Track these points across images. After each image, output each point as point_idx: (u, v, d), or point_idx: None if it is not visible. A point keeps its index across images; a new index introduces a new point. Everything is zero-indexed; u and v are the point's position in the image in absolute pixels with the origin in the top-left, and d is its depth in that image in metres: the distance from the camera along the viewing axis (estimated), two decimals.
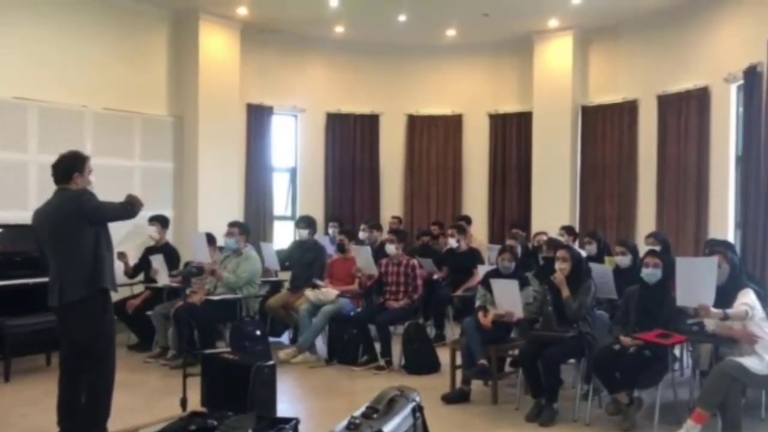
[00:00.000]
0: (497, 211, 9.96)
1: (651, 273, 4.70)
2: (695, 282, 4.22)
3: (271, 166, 9.57)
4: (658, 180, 8.33)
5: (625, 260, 5.73)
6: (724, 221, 7.37)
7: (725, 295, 4.30)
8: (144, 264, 6.97)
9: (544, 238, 6.94)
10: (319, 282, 6.80)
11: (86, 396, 3.98)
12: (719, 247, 5.03)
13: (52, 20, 7.38)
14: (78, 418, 3.97)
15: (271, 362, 4.65)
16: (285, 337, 7.39)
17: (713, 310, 4.15)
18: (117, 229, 4.34)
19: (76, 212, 3.91)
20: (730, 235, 7.23)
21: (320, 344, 6.77)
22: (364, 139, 10.16)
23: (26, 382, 5.64)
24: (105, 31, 7.85)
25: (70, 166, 4.02)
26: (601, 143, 9.11)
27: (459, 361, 5.34)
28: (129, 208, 4.08)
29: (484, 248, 7.98)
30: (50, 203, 4.04)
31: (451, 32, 9.38)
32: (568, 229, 7.42)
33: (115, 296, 4.26)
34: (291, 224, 9.41)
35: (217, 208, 8.35)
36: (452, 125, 10.20)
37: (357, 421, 3.24)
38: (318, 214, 9.32)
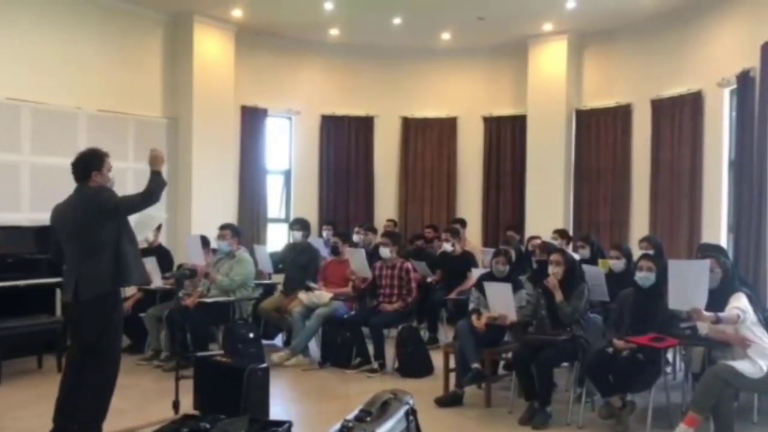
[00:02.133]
0: (491, 215, 9.97)
1: (645, 277, 4.71)
2: (687, 285, 4.23)
3: (266, 168, 9.55)
4: (652, 184, 8.35)
5: (619, 264, 5.74)
6: (717, 225, 7.39)
7: (718, 300, 4.31)
8: None
9: (538, 242, 6.94)
10: (312, 285, 6.79)
11: (87, 393, 3.99)
12: (711, 251, 5.05)
13: (47, 22, 7.35)
14: (76, 414, 3.97)
15: (264, 365, 4.63)
16: (278, 340, 7.38)
17: (705, 313, 4.16)
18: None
19: (95, 209, 3.96)
20: (723, 239, 7.25)
21: (314, 347, 6.76)
22: (359, 142, 10.16)
23: (18, 385, 5.61)
24: (99, 33, 7.82)
25: (88, 164, 4.07)
26: (595, 147, 9.13)
27: (452, 364, 5.34)
28: (148, 196, 4.09)
29: (478, 251, 7.98)
30: (70, 200, 4.09)
31: (446, 36, 9.40)
32: (561, 233, 7.43)
33: None
34: (285, 227, 9.40)
35: (211, 210, 8.34)
36: (447, 128, 10.20)
37: (350, 425, 3.24)
38: (312, 216, 9.31)
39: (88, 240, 3.95)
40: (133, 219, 4.26)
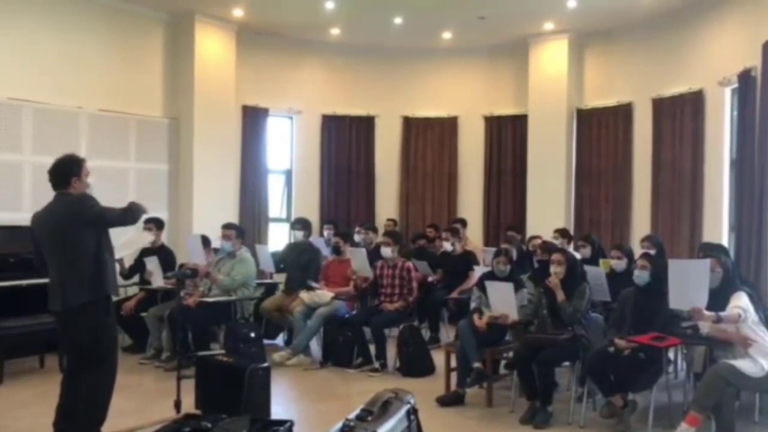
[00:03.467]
0: (492, 214, 9.96)
1: (638, 275, 4.74)
2: (688, 284, 4.23)
3: (267, 168, 9.55)
4: (653, 183, 8.34)
5: (620, 264, 5.73)
6: (719, 224, 7.39)
7: (719, 299, 4.31)
8: (139, 266, 6.96)
9: (539, 241, 6.94)
10: (314, 284, 6.79)
11: (86, 398, 3.97)
12: (713, 251, 5.04)
13: (48, 21, 7.35)
14: (76, 420, 3.97)
15: (265, 365, 4.65)
16: (280, 340, 7.38)
17: (706, 312, 4.16)
18: (117, 236, 4.33)
19: (77, 217, 3.90)
20: (725, 238, 7.25)
21: (315, 347, 6.77)
22: (360, 141, 10.16)
23: (19, 384, 5.62)
24: (101, 33, 7.83)
25: (67, 171, 3.99)
26: (596, 146, 9.12)
27: (454, 363, 5.34)
28: (130, 214, 4.04)
29: (479, 251, 7.98)
30: (50, 208, 4.01)
31: (446, 35, 9.39)
32: (562, 232, 7.43)
33: None
34: (286, 226, 9.41)
35: (213, 210, 8.34)
36: (448, 128, 10.20)
37: (351, 424, 3.25)
38: (313, 216, 9.31)
39: (70, 247, 3.90)
40: (122, 234, 4.19)
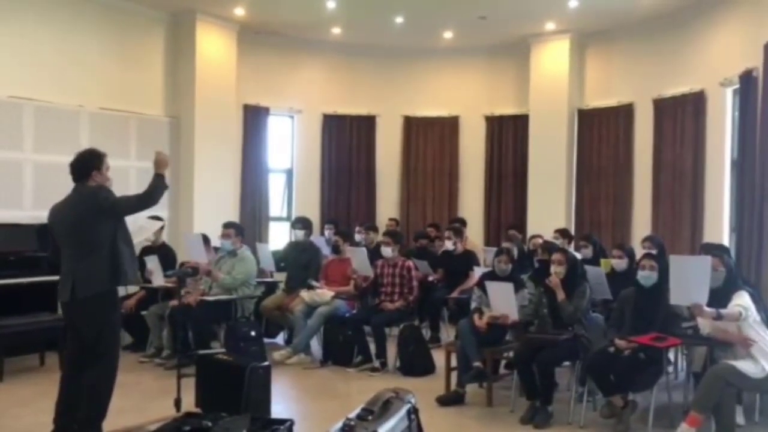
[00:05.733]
0: (493, 214, 9.97)
1: (647, 276, 4.71)
2: (689, 281, 4.22)
3: (267, 167, 9.55)
4: (654, 183, 8.34)
5: (621, 264, 5.74)
6: (720, 225, 7.39)
7: (721, 299, 4.31)
8: (139, 264, 6.95)
9: (540, 241, 6.94)
10: (314, 283, 6.79)
11: (87, 392, 3.99)
12: (715, 251, 5.04)
13: (49, 20, 7.35)
14: (76, 415, 3.97)
15: (265, 363, 4.65)
16: (280, 338, 7.39)
17: (706, 309, 4.16)
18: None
19: (93, 208, 3.95)
20: (725, 238, 7.24)
21: (315, 345, 6.76)
22: (361, 141, 10.16)
23: (19, 383, 5.62)
24: (102, 32, 7.83)
25: (88, 164, 4.07)
26: (597, 146, 9.12)
27: (454, 363, 5.35)
28: (146, 197, 4.08)
29: (479, 250, 7.98)
30: (68, 199, 4.08)
31: (447, 34, 9.39)
32: (562, 232, 7.42)
33: None
34: (287, 225, 9.41)
35: (213, 208, 8.33)
36: (448, 127, 10.20)
37: (352, 423, 3.25)
38: (314, 215, 9.30)
39: (85, 239, 3.95)
40: (132, 222, 4.23)
